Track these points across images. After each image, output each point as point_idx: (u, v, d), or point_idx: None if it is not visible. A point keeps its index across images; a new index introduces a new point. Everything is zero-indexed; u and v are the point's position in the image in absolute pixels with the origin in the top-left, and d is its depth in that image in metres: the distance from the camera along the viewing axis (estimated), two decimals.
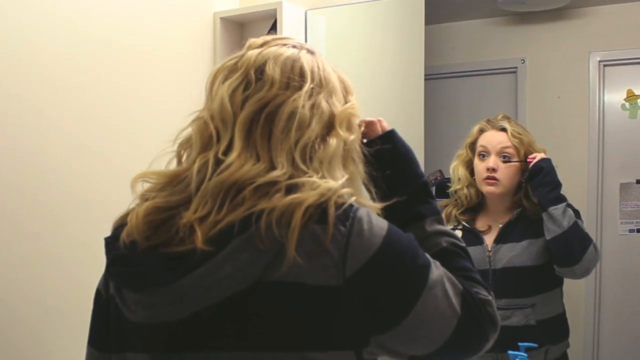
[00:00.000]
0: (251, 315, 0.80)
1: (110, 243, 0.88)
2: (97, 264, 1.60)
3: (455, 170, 1.82)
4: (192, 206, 0.82)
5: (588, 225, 1.86)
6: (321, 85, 0.91)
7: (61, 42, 1.57)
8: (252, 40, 0.95)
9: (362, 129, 1.00)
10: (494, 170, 1.72)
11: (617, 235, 2.05)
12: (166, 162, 0.93)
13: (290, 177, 0.83)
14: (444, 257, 0.90)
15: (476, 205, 1.80)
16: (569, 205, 1.66)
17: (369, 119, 1.01)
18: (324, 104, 0.89)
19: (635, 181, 2.08)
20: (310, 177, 0.83)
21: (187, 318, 0.81)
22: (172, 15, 1.89)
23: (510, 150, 1.72)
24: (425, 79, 2.20)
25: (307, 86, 0.89)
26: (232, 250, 0.79)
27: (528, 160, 1.70)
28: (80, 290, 1.60)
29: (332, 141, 0.87)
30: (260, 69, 0.89)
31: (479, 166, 1.76)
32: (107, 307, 0.91)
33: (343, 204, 0.83)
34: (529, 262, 1.67)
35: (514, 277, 1.67)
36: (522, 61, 2.25)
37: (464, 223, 1.78)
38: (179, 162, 0.92)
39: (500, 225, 1.74)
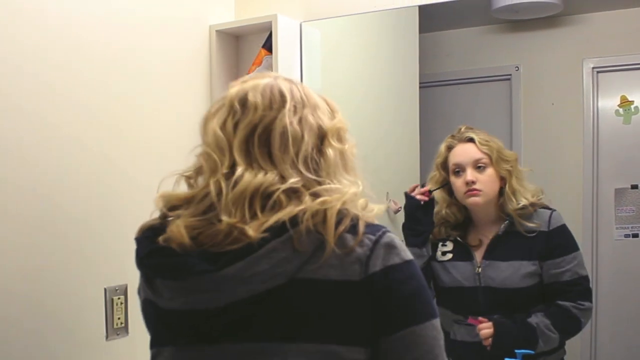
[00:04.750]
0: (280, 310, 0.87)
1: (143, 241, 0.95)
2: (95, 269, 1.62)
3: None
4: (224, 216, 0.89)
5: (583, 231, 1.86)
6: (303, 102, 0.98)
7: (57, 52, 1.58)
8: (232, 82, 1.04)
9: None
10: (473, 182, 1.68)
11: (612, 241, 2.06)
12: (172, 184, 1.00)
13: (306, 186, 0.91)
14: None
15: (465, 220, 1.77)
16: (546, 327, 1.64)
17: None
18: (310, 118, 0.97)
19: (630, 186, 2.08)
20: (327, 184, 0.92)
21: (222, 307, 0.88)
22: (168, 28, 1.90)
23: (484, 160, 1.70)
24: (420, 87, 2.21)
25: (289, 104, 0.96)
26: (271, 250, 0.86)
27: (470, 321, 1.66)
28: (82, 294, 1.62)
29: (329, 151, 0.95)
30: (243, 99, 0.97)
31: (457, 183, 1.72)
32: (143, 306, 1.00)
33: (372, 223, 0.92)
34: (518, 284, 1.63)
35: (503, 297, 1.64)
36: (516, 68, 2.25)
37: (457, 237, 1.75)
38: (190, 186, 1.00)
39: (488, 241, 1.71)
